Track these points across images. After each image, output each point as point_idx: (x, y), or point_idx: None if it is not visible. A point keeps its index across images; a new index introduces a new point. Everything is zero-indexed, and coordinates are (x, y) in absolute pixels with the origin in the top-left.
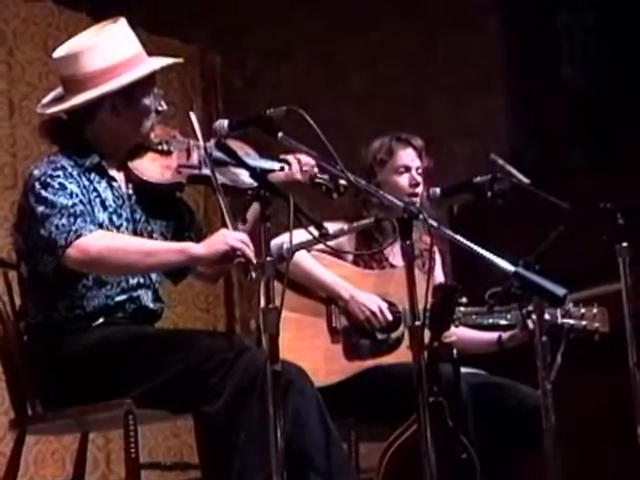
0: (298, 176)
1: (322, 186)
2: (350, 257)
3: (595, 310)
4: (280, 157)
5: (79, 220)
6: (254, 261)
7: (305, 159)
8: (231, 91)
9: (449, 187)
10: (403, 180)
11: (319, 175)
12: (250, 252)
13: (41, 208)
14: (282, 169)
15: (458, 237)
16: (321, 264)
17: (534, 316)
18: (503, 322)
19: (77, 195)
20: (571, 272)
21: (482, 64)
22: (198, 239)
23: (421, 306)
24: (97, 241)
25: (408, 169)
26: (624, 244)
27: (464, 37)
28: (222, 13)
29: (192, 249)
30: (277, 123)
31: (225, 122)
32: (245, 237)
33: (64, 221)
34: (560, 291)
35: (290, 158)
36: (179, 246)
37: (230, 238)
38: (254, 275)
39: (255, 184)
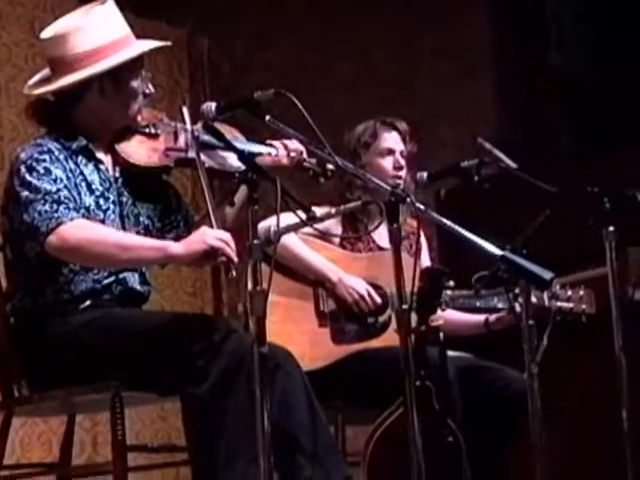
0: (284, 161)
1: (309, 170)
2: (337, 240)
3: (582, 292)
4: (266, 142)
5: (62, 207)
6: (235, 259)
7: (292, 145)
8: (219, 75)
9: (436, 171)
10: (387, 163)
11: (306, 159)
12: (230, 250)
13: (25, 193)
14: (269, 154)
15: (445, 220)
16: (308, 247)
17: (521, 299)
18: (490, 305)
19: (62, 180)
20: (558, 256)
21: (470, 49)
22: (186, 222)
23: (408, 289)
24: (76, 231)
25: (392, 152)
26: (610, 228)
27: (453, 22)
28: None
29: (170, 248)
30: (265, 106)
31: (213, 105)
32: (225, 235)
33: (47, 207)
34: (547, 275)
35: (277, 143)
36: (158, 244)
37: (209, 237)
38: (234, 273)
39: (243, 167)
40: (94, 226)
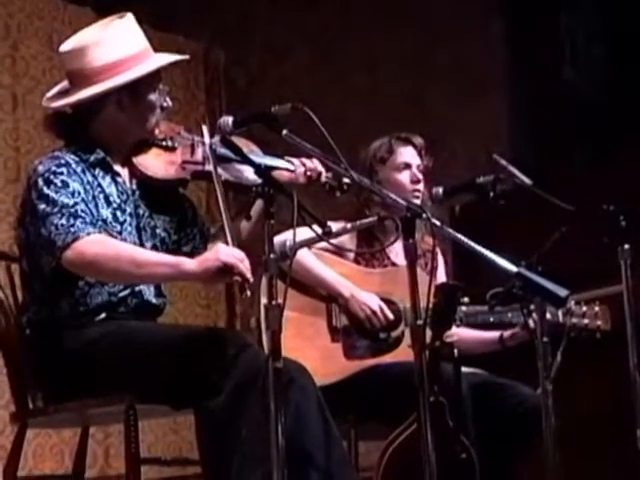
0: (301, 180)
1: (325, 184)
2: (351, 256)
3: (597, 308)
4: (286, 159)
5: (78, 221)
6: (249, 278)
7: (311, 164)
8: (234, 88)
9: (452, 187)
10: (404, 177)
11: (323, 173)
12: (244, 268)
13: (42, 206)
14: (287, 169)
15: (460, 237)
16: (322, 262)
17: (535, 315)
18: (505, 321)
19: (79, 194)
20: (573, 273)
21: (485, 65)
22: (202, 235)
23: (423, 305)
24: (93, 246)
25: (409, 166)
26: (626, 246)
27: (467, 37)
28: (226, 10)
29: (185, 265)
30: (282, 120)
31: (229, 119)
32: (239, 253)
33: (63, 221)
34: (562, 292)
35: (295, 161)
36: (172, 260)
37: (223, 254)
38: (249, 293)
39: (259, 181)
40: (110, 241)
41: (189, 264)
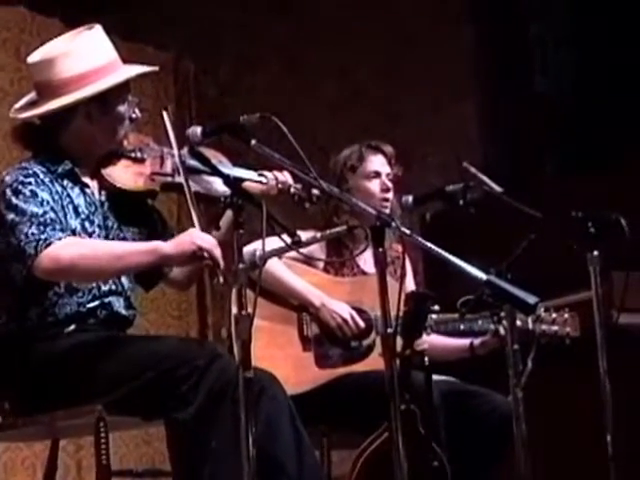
0: (273, 192)
1: (294, 195)
2: (321, 265)
3: (566, 315)
4: (258, 172)
5: (49, 229)
6: (222, 264)
7: (282, 177)
8: (204, 98)
9: (422, 195)
10: (374, 185)
11: (293, 186)
12: (218, 254)
13: (11, 216)
14: (257, 182)
15: (430, 245)
16: (293, 272)
17: (505, 323)
18: (475, 329)
19: (48, 202)
20: (542, 280)
21: (455, 72)
22: None
23: (393, 313)
24: (67, 249)
25: (378, 174)
26: (595, 252)
27: (438, 45)
28: (196, 20)
29: (162, 249)
30: (250, 130)
31: (198, 129)
32: (213, 239)
33: (34, 230)
34: (531, 299)
35: (268, 175)
36: (149, 246)
37: (198, 238)
38: (221, 280)
39: (228, 192)
40: (83, 241)
41: (166, 247)
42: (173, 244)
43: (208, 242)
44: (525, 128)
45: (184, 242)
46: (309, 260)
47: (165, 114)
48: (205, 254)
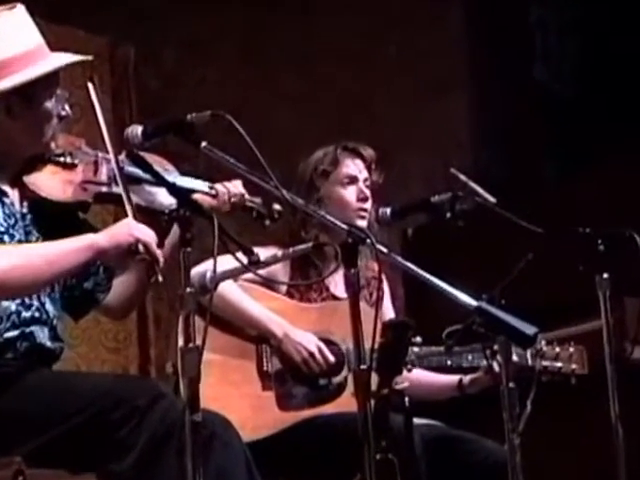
0: (225, 208)
1: (253, 211)
2: (284, 288)
3: (572, 349)
4: (208, 185)
5: None
6: (160, 259)
7: (234, 190)
8: (146, 91)
9: (402, 207)
10: (349, 193)
11: (249, 198)
12: (156, 249)
13: None
14: (207, 194)
15: (411, 266)
16: (250, 296)
17: (500, 357)
18: (464, 364)
19: None
20: (543, 308)
21: (442, 64)
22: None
23: (368, 346)
24: None
25: (355, 180)
26: (605, 275)
27: (421, 32)
28: None
29: (98, 243)
30: (200, 130)
31: (139, 129)
32: (152, 232)
33: None
34: (530, 330)
35: (219, 187)
36: (84, 242)
37: (135, 229)
38: (160, 278)
39: (174, 204)
40: (11, 249)
41: (101, 240)
42: (108, 235)
43: (146, 234)
44: (521, 127)
45: (119, 233)
46: (270, 283)
47: (91, 86)
48: (141, 248)
